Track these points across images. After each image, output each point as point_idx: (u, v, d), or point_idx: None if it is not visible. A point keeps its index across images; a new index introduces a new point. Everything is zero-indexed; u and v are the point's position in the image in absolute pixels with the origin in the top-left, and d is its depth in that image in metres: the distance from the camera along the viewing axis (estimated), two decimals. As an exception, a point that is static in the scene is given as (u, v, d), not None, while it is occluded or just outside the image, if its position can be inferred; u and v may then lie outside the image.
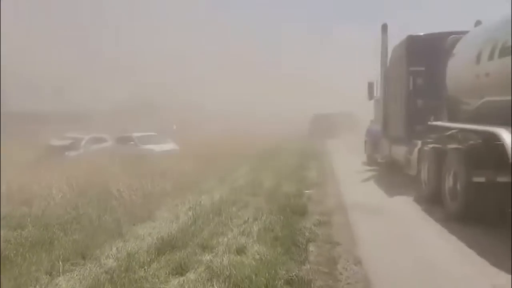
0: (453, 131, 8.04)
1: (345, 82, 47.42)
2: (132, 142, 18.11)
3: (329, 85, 52.25)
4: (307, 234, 5.76)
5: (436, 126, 8.38)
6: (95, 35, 50.90)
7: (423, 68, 9.60)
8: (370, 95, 13.79)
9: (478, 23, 9.39)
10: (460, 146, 6.92)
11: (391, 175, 11.13)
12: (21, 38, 35.05)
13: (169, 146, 18.13)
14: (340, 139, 27.62)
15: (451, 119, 8.20)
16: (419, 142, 8.62)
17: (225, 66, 59.10)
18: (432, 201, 7.34)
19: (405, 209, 7.31)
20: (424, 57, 9.45)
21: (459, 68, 7.22)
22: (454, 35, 8.61)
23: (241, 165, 14.77)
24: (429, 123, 8.23)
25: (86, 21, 52.39)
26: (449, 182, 6.72)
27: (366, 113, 20.51)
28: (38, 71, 38.25)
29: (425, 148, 8.02)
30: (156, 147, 17.42)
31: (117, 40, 51.94)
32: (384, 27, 11.51)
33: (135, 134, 18.62)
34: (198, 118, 40.01)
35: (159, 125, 29.82)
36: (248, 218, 6.80)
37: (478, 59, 6.37)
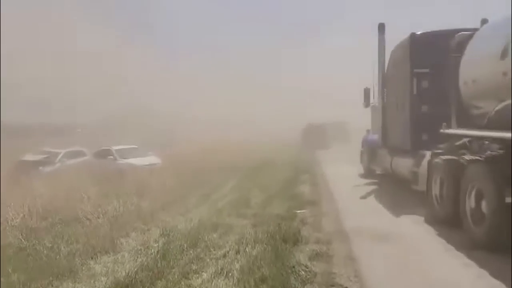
0: (465, 140, 6.99)
1: (339, 90, 46.90)
2: (110, 156, 16.80)
3: (322, 92, 51.60)
4: (302, 272, 4.56)
5: (447, 135, 7.32)
6: (86, 45, 49.76)
7: (427, 70, 8.56)
8: (367, 102, 12.71)
9: (484, 21, 8.45)
10: (481, 158, 5.83)
11: (394, 189, 10.01)
12: (6, 46, 33.66)
13: (150, 159, 16.82)
14: (334, 149, 26.58)
15: (461, 126, 7.13)
16: (428, 153, 7.50)
17: (218, 74, 58.31)
18: (449, 223, 6.20)
19: (418, 234, 6.14)
20: (429, 57, 8.42)
21: (476, 67, 6.15)
22: (462, 32, 7.61)
23: (228, 180, 13.59)
24: (442, 131, 7.12)
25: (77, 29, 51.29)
26: (470, 202, 5.59)
27: (361, 122, 19.58)
28: (23, 82, 36.88)
29: (437, 160, 6.90)
30: (136, 161, 16.13)
31: (108, 51, 50.78)
32: (381, 27, 10.48)
33: (114, 147, 17.30)
34: (190, 128, 38.87)
35: (149, 136, 28.79)
36: (229, 249, 5.59)
37: (504, 54, 5.29)
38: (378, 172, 12.57)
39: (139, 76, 48.73)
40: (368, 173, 12.93)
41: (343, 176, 13.16)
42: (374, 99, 12.00)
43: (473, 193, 5.55)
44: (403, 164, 9.08)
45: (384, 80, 10.45)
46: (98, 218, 8.73)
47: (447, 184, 6.40)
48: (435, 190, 6.90)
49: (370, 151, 12.57)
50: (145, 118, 39.15)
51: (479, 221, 5.31)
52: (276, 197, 9.50)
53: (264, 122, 46.42)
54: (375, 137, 12.07)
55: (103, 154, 17.34)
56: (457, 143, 7.16)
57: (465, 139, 7.05)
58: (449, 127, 7.26)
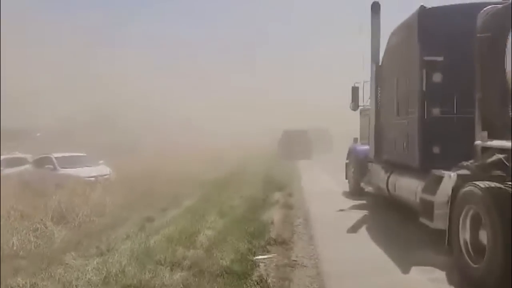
0: (501, 156, 4.69)
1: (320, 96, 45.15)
2: (49, 166, 14.09)
3: (301, 99, 49.72)
4: None
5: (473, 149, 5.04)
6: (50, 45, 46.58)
7: (442, 58, 6.22)
8: (355, 104, 10.32)
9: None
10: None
11: (392, 219, 7.67)
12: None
13: (98, 170, 14.14)
14: (313, 159, 24.32)
15: (493, 136, 4.87)
16: (449, 175, 5.13)
17: (191, 79, 55.91)
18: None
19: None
20: (444, 40, 6.12)
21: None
22: (490, 6, 5.40)
23: (186, 197, 11.06)
24: (480, 143, 4.78)
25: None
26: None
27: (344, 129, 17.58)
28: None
29: (469, 188, 4.49)
30: (80, 172, 13.44)
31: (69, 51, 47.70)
32: (375, 6, 8.19)
33: (55, 155, 14.59)
34: (164, 132, 36.19)
35: (113, 142, 26.36)
36: None
37: None
38: (366, 190, 10.28)
39: (112, 75, 45.67)
40: (354, 192, 10.59)
41: (325, 194, 10.81)
42: (365, 99, 9.69)
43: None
44: (407, 187, 6.70)
45: (379, 75, 8.14)
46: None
47: (491, 229, 4.01)
48: (465, 234, 4.52)
49: (358, 165, 10.21)
50: (113, 121, 36.35)
51: None
52: (234, 229, 7.01)
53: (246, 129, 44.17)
54: (365, 147, 9.75)
55: (42, 162, 14.64)
56: (489, 161, 4.89)
57: (501, 156, 4.76)
58: (482, 138, 4.96)
